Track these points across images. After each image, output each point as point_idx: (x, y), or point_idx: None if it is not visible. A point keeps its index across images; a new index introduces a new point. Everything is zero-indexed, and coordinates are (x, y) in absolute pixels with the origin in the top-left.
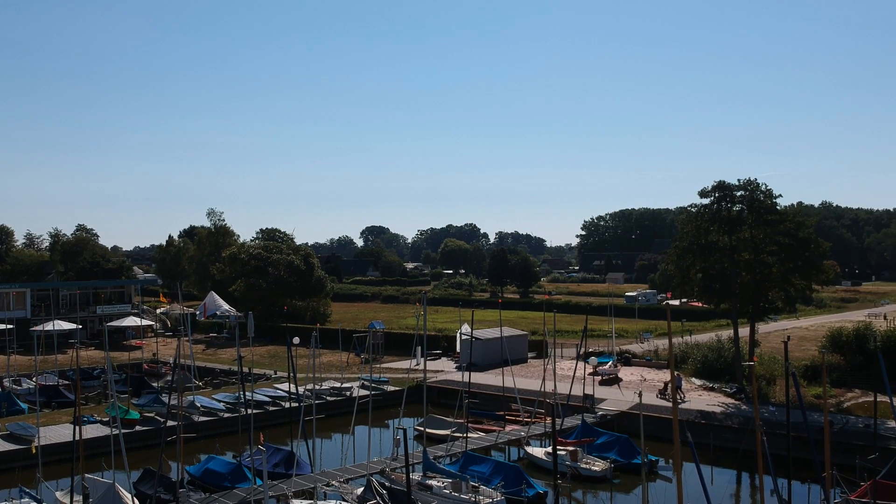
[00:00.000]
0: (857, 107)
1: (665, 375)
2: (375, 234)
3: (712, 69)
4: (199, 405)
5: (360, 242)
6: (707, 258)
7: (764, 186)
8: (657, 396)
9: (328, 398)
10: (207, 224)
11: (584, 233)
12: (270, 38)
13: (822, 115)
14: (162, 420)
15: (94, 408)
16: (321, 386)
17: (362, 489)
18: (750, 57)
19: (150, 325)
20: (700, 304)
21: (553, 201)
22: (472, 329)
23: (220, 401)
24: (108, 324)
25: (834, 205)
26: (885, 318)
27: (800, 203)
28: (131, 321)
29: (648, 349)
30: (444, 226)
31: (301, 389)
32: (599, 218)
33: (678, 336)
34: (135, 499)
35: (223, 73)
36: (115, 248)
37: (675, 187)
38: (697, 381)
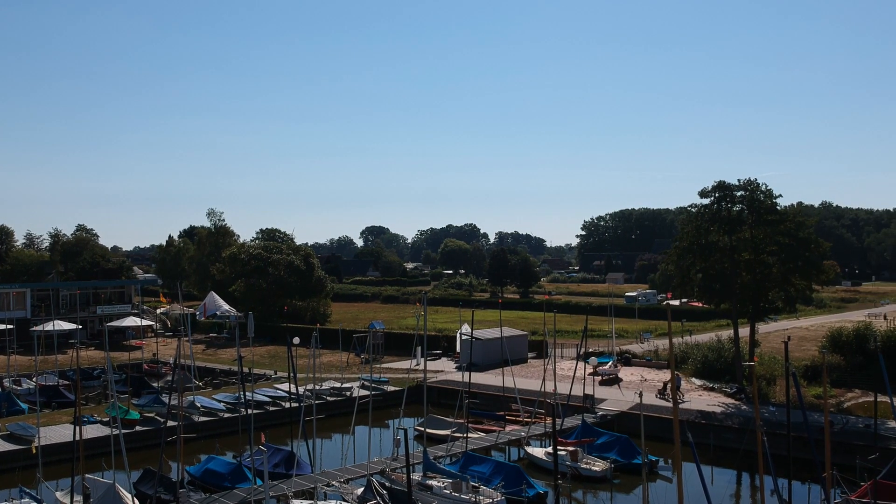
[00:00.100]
0: (857, 107)
1: (665, 375)
2: (375, 234)
3: (712, 69)
4: (199, 405)
5: (360, 242)
6: (707, 258)
7: (764, 186)
8: (656, 396)
9: (328, 398)
10: (207, 224)
11: (584, 233)
12: (270, 38)
13: (822, 115)
14: (162, 420)
15: (94, 408)
16: (321, 386)
17: (362, 489)
18: (750, 57)
19: (150, 326)
20: (700, 305)
21: (553, 201)
22: (472, 329)
23: (220, 401)
24: (108, 324)
25: (834, 205)
26: (885, 318)
27: (800, 203)
28: (131, 321)
29: (648, 349)
30: (444, 226)
31: (301, 389)
32: (599, 218)
33: (678, 336)
34: (135, 499)
35: (223, 73)
36: (115, 248)
37: (675, 187)
38: (697, 382)
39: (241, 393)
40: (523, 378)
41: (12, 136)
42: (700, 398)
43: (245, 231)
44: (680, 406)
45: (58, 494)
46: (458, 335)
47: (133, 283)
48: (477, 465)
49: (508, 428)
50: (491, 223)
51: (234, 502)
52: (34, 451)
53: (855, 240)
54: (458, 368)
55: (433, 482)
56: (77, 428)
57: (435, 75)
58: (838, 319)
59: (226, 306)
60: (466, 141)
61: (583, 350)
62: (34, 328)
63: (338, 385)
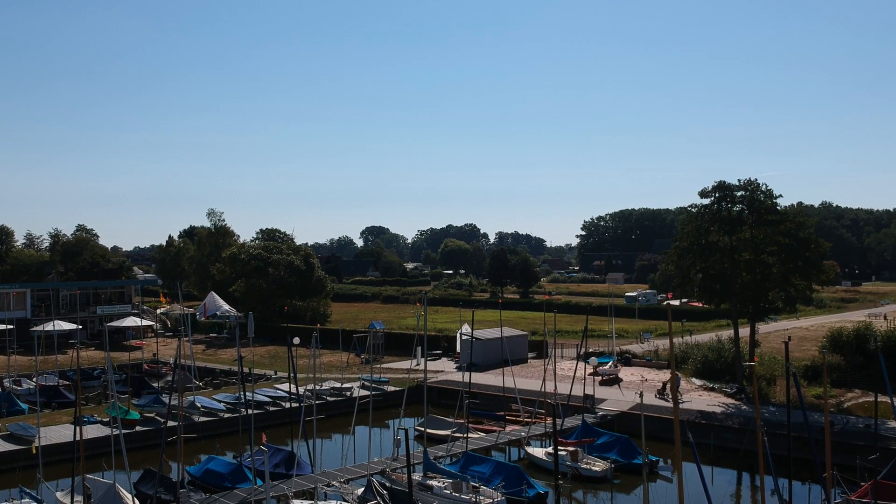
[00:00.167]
0: (857, 107)
1: (665, 375)
2: (375, 234)
3: (712, 69)
4: (199, 405)
5: (359, 242)
6: (707, 258)
7: (764, 187)
8: (655, 396)
9: (328, 398)
10: (207, 224)
11: (584, 233)
12: (270, 38)
13: (822, 115)
14: (162, 420)
15: (94, 408)
16: (321, 386)
17: (363, 489)
18: (750, 57)
19: (151, 326)
20: (700, 305)
21: (553, 201)
22: (472, 329)
23: (220, 401)
24: (109, 324)
25: (834, 205)
26: (885, 318)
27: (800, 203)
28: (131, 321)
29: (648, 349)
30: (444, 226)
31: (301, 390)
32: (599, 218)
33: (678, 336)
34: (135, 499)
35: (223, 73)
36: (114, 248)
37: (675, 187)
38: (698, 382)
39: (242, 393)
40: (523, 378)
41: (12, 136)
42: (700, 398)
43: (245, 231)
44: (680, 406)
45: (58, 495)
46: (458, 335)
47: (133, 284)
48: (477, 465)
49: (509, 428)
50: (491, 223)
51: (234, 502)
52: (34, 452)
53: (855, 240)
54: (459, 368)
55: (433, 482)
56: (77, 428)
57: (435, 75)
58: (838, 319)
59: (226, 306)
60: (466, 141)
61: (583, 350)
62: (34, 328)
63: (338, 385)
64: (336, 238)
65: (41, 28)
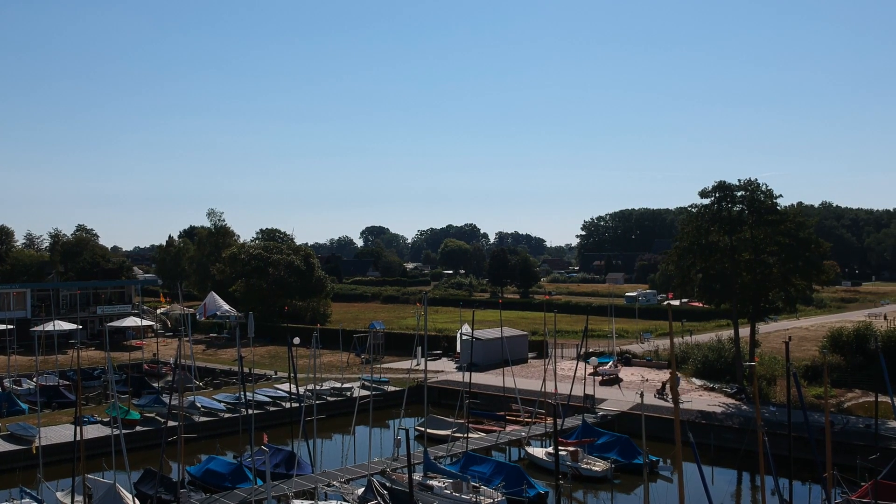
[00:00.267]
0: (857, 107)
1: (665, 375)
2: (375, 234)
3: (712, 69)
4: (199, 405)
5: (359, 242)
6: (707, 258)
7: (764, 187)
8: (655, 396)
9: (329, 398)
10: (207, 224)
11: (584, 233)
12: (270, 38)
13: (822, 115)
14: (162, 420)
15: (94, 408)
16: (322, 386)
17: (363, 489)
18: (750, 57)
19: (151, 326)
20: (700, 305)
21: (553, 201)
22: (472, 329)
23: (220, 401)
24: (109, 324)
25: (834, 205)
26: (885, 318)
27: (800, 203)
28: (131, 321)
29: (649, 349)
30: (444, 226)
31: (301, 390)
32: (599, 218)
33: (678, 336)
34: (135, 499)
35: (223, 73)
36: (114, 248)
37: (675, 187)
38: (698, 382)
39: (242, 393)
40: (523, 378)
41: (12, 136)
42: (700, 398)
43: (245, 231)
44: (680, 406)
45: (58, 495)
46: (458, 335)
47: (133, 284)
48: (477, 465)
49: (509, 428)
50: (491, 223)
51: (234, 502)
52: (35, 452)
53: (855, 240)
54: (459, 368)
55: (434, 482)
56: (77, 428)
57: (435, 75)
58: (838, 319)
59: (226, 306)
60: (466, 141)
61: (583, 350)
62: (34, 328)
63: (338, 385)
64: (336, 238)
65: (41, 28)
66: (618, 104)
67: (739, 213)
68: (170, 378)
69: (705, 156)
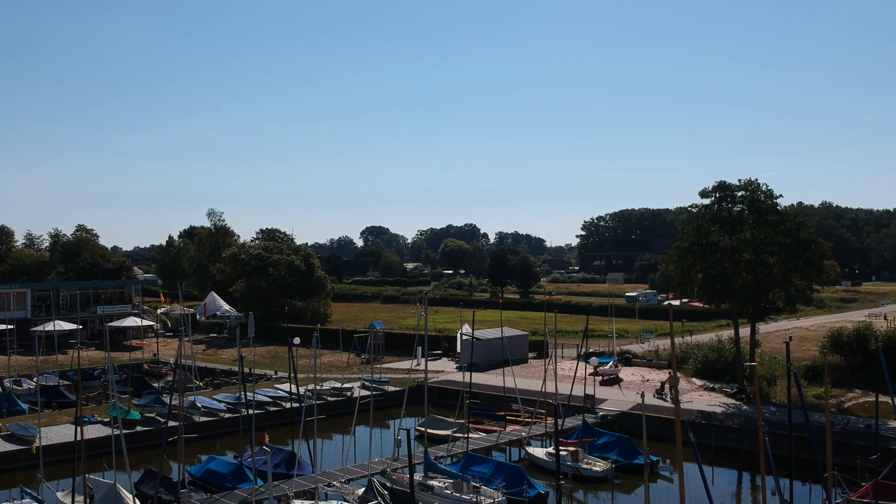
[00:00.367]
0: (857, 107)
1: (665, 375)
2: (375, 234)
3: (712, 69)
4: (199, 405)
5: (359, 242)
6: (708, 258)
7: (764, 187)
8: (654, 396)
9: (329, 398)
10: (207, 224)
11: (584, 233)
12: (270, 38)
13: (822, 115)
14: (163, 420)
15: (94, 408)
16: (322, 386)
17: (363, 489)
18: (750, 57)
19: (151, 326)
20: (700, 305)
21: (553, 201)
22: (472, 329)
23: (220, 401)
24: (109, 324)
25: (834, 205)
26: (885, 318)
27: (800, 203)
28: (132, 321)
29: (649, 349)
30: (444, 226)
31: (302, 390)
32: (599, 218)
33: (678, 336)
34: (136, 499)
35: (223, 73)
36: (114, 248)
37: (675, 187)
38: (698, 382)
39: (242, 393)
40: (524, 378)
41: (12, 136)
42: (701, 398)
43: (245, 231)
44: (681, 406)
45: (59, 495)
46: (458, 335)
47: (133, 284)
48: (478, 465)
49: (509, 428)
50: (491, 223)
51: (235, 502)
52: (35, 452)
53: (855, 240)
54: (459, 368)
55: (434, 482)
56: (78, 428)
57: (435, 75)
58: (838, 319)
59: (226, 306)
60: (466, 141)
61: (583, 350)
62: (35, 328)
63: (338, 385)
64: (336, 238)
65: (41, 28)
66: (617, 104)
67: (740, 213)
68: (170, 378)
69: (705, 156)
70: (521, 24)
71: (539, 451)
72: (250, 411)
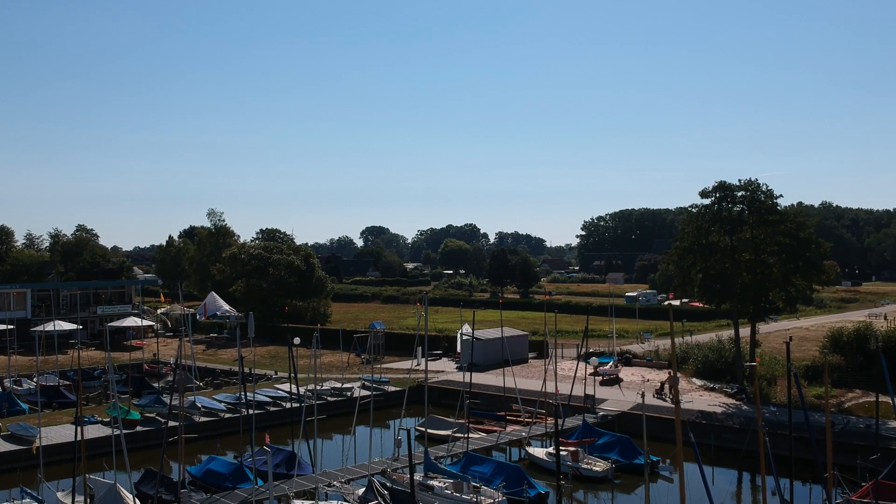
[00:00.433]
0: (857, 107)
1: (665, 375)
2: (375, 234)
3: (712, 69)
4: (199, 405)
5: (359, 242)
6: (708, 258)
7: (765, 187)
8: (654, 396)
9: (329, 398)
10: (207, 224)
11: (584, 233)
12: (270, 38)
13: (822, 115)
14: (163, 420)
15: (94, 408)
16: (322, 386)
17: (363, 489)
18: (750, 57)
19: (151, 326)
20: (700, 305)
21: (553, 201)
22: (472, 329)
23: (220, 401)
24: (109, 324)
25: (834, 205)
26: (885, 318)
27: (800, 203)
28: (132, 321)
29: (649, 349)
30: (444, 226)
31: (302, 390)
32: (599, 218)
33: (678, 336)
34: (136, 499)
35: (223, 73)
36: (114, 248)
37: (674, 187)
38: (698, 382)
39: (242, 393)
40: (524, 378)
41: (12, 136)
42: (701, 398)
43: (245, 231)
44: (681, 406)
45: (59, 495)
46: (458, 335)
47: (133, 284)
48: (478, 465)
49: (509, 428)
50: (491, 223)
51: (235, 503)
52: (35, 452)
53: (855, 240)
54: (459, 369)
55: (434, 482)
56: (78, 428)
57: (435, 75)
58: (838, 319)
59: (226, 306)
60: (466, 141)
61: (583, 350)
62: (35, 328)
63: (338, 385)
64: (336, 238)
65: (41, 28)
66: (617, 104)
67: (740, 213)
68: (170, 378)
69: (705, 156)
70: (521, 24)
71: (539, 452)
72: (250, 411)
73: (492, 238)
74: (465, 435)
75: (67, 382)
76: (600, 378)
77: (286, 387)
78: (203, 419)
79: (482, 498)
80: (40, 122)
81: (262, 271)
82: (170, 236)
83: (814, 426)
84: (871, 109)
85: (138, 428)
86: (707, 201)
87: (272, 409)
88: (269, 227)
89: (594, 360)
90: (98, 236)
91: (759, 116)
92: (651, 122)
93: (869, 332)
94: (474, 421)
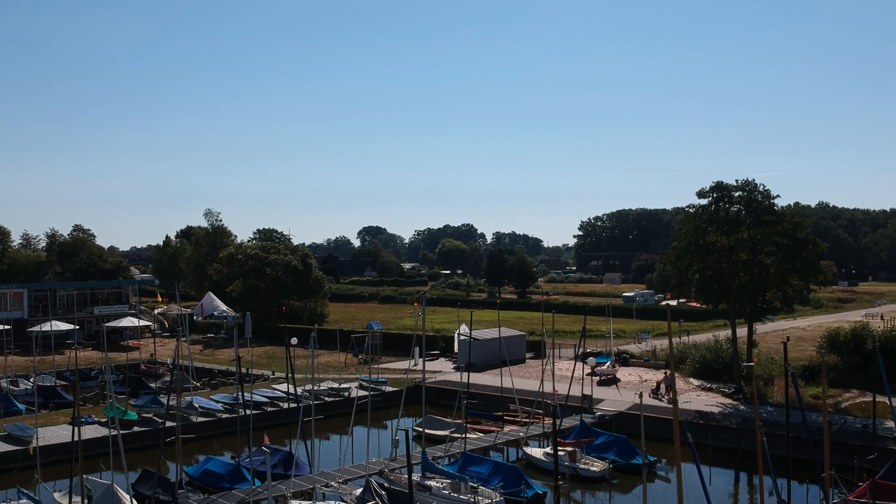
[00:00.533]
0: (856, 107)
1: (662, 375)
2: (372, 234)
3: (712, 69)
4: (197, 406)
5: (357, 243)
6: (705, 259)
7: (762, 187)
8: (650, 396)
9: (326, 399)
10: (205, 224)
11: (581, 233)
12: (270, 38)
13: (821, 115)
14: (160, 421)
15: (91, 408)
16: (319, 387)
17: (361, 490)
18: (750, 57)
19: (148, 326)
20: (698, 305)
21: (552, 201)
22: (470, 329)
23: (218, 401)
24: (106, 324)
25: (831, 205)
26: (882, 318)
27: (797, 203)
28: (129, 322)
29: (646, 349)
30: (442, 226)
31: (299, 390)
32: (597, 218)
33: (675, 336)
34: (133, 500)
35: (223, 73)
36: (111, 248)
37: (672, 187)
38: (695, 382)
39: (240, 393)
40: (521, 378)
41: (12, 136)
42: (698, 398)
43: (242, 231)
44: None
45: (56, 495)
46: (455, 335)
47: (130, 284)
48: (475, 465)
49: (507, 428)
50: (488, 223)
51: (232, 503)
52: (32, 452)
53: (852, 240)
54: (457, 369)
55: (432, 483)
56: (75, 429)
57: (435, 75)
58: (835, 319)
59: (223, 307)
60: (466, 141)
61: (581, 350)
62: (31, 329)
63: (336, 385)
64: (333, 238)
65: (41, 28)
66: (617, 104)
67: (737, 213)
68: (167, 378)
69: (705, 156)
70: (521, 24)
71: (537, 452)
72: (247, 412)
73: (489, 238)
74: (463, 435)
75: (64, 383)
76: (598, 378)
77: (283, 387)
78: (200, 419)
79: (480, 498)
80: (40, 121)
81: (259, 271)
82: (167, 236)
83: (811, 426)
84: (871, 109)
85: (135, 428)
86: (704, 201)
87: (269, 409)
88: (267, 228)
89: (591, 360)
90: (95, 236)
91: (758, 116)
92: (651, 122)
93: (866, 332)
94: (472, 421)
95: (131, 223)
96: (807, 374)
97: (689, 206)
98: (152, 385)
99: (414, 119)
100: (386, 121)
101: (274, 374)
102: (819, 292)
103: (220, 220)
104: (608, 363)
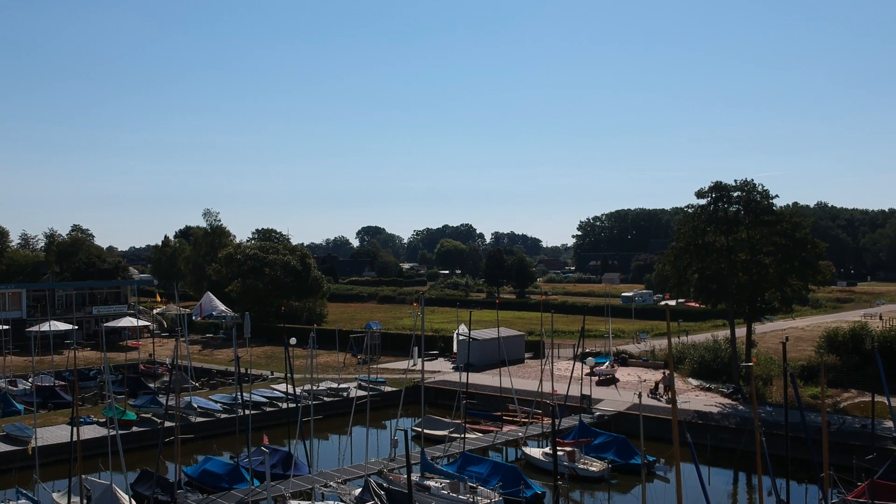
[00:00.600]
0: (855, 107)
1: (661, 375)
2: (371, 234)
3: (712, 69)
4: (196, 406)
5: (355, 243)
6: (704, 259)
7: (760, 187)
8: (648, 396)
9: (325, 399)
10: (203, 224)
11: (580, 233)
12: (270, 38)
13: (820, 116)
14: (159, 421)
15: (90, 409)
16: (318, 387)
17: (360, 490)
18: (750, 57)
19: (147, 326)
20: (696, 305)
21: (551, 201)
22: (469, 329)
23: (217, 401)
24: (105, 324)
25: (829, 205)
26: (880, 318)
27: (795, 203)
28: (127, 322)
29: (645, 349)
30: (440, 226)
31: (298, 390)
32: (595, 218)
33: (674, 336)
34: (132, 500)
35: (223, 73)
36: (110, 248)
37: (671, 187)
38: (694, 382)
39: (238, 393)
40: (520, 378)
41: (12, 136)
42: (697, 398)
43: (241, 231)
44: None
45: (55, 495)
46: (454, 335)
47: (129, 284)
48: (474, 465)
49: (506, 428)
50: (487, 223)
51: (231, 503)
52: (31, 452)
53: (850, 240)
54: (456, 369)
55: (431, 483)
56: (74, 429)
57: (435, 75)
58: (834, 319)
59: (222, 307)
60: (466, 141)
61: (580, 350)
62: (30, 329)
63: (335, 385)
64: (332, 238)
65: (41, 28)
66: (617, 104)
67: (736, 213)
68: (166, 378)
69: (705, 156)
70: (521, 24)
71: (536, 452)
72: (246, 412)
73: (488, 238)
74: (462, 435)
75: (63, 383)
76: (597, 378)
77: (282, 387)
78: (199, 420)
79: (479, 498)
80: (40, 121)
81: (258, 271)
82: (165, 236)
83: (810, 426)
84: (870, 109)
85: (134, 428)
86: (703, 202)
87: (268, 409)
88: (266, 228)
89: (590, 360)
90: (93, 236)
91: (758, 116)
92: (651, 122)
93: (864, 332)
94: (471, 421)
95: (130, 223)
96: (805, 374)
97: (688, 207)
98: (151, 385)
99: (414, 119)
100: (386, 121)
101: (273, 375)
102: (818, 292)
103: (219, 220)
104: (607, 363)
